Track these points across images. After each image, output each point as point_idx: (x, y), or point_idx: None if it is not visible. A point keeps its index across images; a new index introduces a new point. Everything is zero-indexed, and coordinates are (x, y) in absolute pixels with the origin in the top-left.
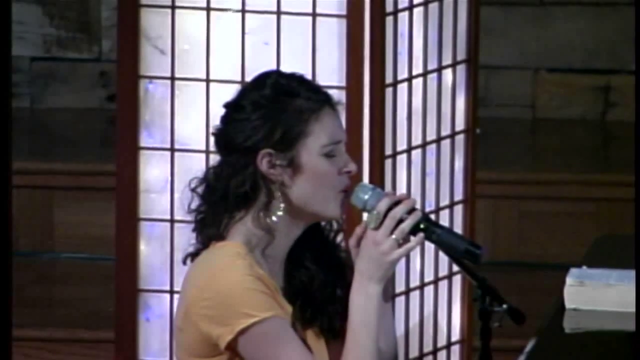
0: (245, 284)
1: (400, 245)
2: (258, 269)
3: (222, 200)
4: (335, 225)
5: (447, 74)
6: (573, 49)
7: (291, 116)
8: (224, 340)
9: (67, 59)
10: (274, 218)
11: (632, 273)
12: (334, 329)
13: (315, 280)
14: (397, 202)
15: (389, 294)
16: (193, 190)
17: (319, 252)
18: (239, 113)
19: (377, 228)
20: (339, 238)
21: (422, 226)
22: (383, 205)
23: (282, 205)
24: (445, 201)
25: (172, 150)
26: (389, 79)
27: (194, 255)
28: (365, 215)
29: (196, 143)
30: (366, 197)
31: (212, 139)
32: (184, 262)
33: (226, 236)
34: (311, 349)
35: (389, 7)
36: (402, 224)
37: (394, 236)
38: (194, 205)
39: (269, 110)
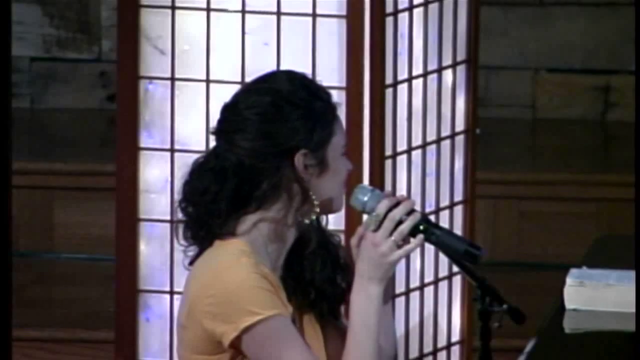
0: (250, 281)
1: (399, 247)
2: (263, 267)
3: (231, 198)
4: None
5: (447, 75)
6: (573, 49)
7: (323, 116)
8: (228, 338)
9: (67, 59)
10: (307, 220)
11: (632, 273)
12: (334, 311)
13: (316, 266)
14: (396, 204)
15: (389, 295)
16: (200, 183)
17: (319, 245)
18: (278, 114)
19: (376, 230)
20: (338, 238)
21: (421, 227)
22: (382, 207)
23: (316, 204)
24: (445, 201)
25: (172, 150)
26: (389, 79)
27: (198, 255)
28: (364, 217)
29: (196, 143)
30: (365, 198)
31: (212, 139)
32: (190, 264)
33: (232, 234)
34: (308, 339)
35: (389, 8)
36: (401, 226)
37: (393, 238)
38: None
39: (306, 111)
